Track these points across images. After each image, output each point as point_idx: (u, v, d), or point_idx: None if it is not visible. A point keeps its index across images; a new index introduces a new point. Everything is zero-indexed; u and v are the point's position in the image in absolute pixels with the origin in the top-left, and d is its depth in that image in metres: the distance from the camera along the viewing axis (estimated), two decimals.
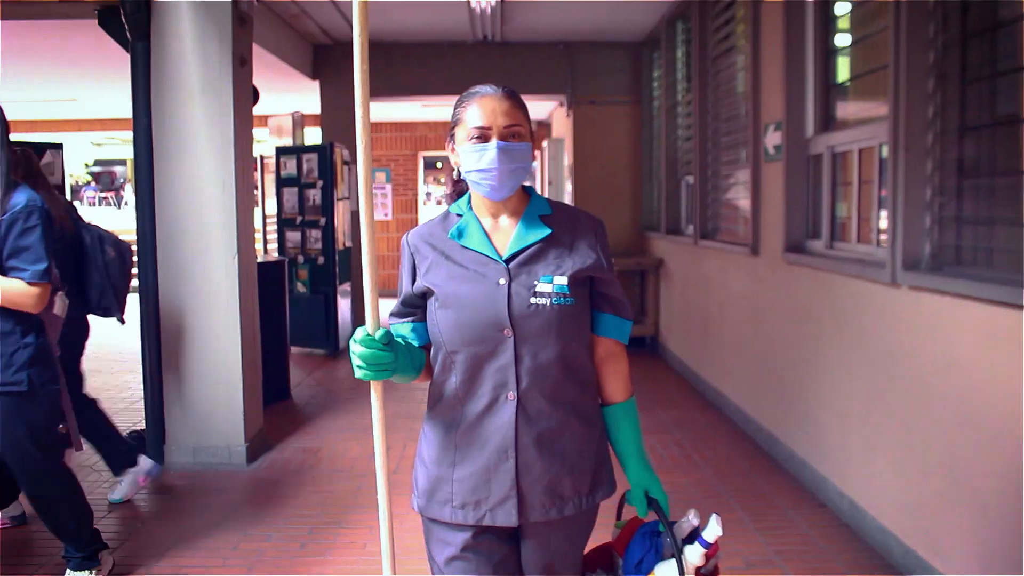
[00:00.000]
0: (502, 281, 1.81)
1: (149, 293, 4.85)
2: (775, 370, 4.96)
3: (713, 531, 1.83)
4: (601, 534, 2.05)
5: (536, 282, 1.81)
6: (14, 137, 3.33)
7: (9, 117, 3.08)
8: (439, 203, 25.44)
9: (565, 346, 1.82)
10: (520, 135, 1.82)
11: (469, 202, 1.94)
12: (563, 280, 1.81)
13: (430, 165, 23.08)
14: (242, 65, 4.90)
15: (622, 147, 9.11)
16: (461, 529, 1.87)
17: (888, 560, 3.55)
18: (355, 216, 9.05)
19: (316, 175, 8.25)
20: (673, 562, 1.82)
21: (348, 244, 8.86)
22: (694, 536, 1.86)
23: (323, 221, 8.26)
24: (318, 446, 5.34)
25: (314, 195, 8.31)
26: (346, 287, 8.74)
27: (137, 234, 4.87)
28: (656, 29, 8.13)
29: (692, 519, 1.90)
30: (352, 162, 8.77)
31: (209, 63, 4.73)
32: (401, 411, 5.67)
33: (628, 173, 9.08)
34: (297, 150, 8.58)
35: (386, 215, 13.90)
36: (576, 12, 7.55)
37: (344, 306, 8.64)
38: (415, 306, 1.91)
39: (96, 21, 4.86)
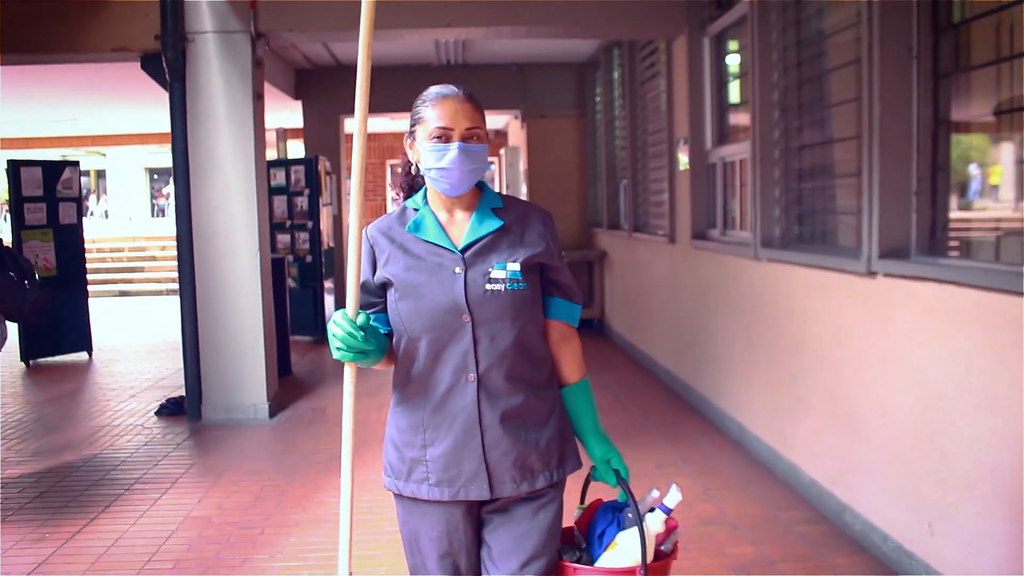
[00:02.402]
0: (458, 270, 1.89)
1: (187, 284, 6.05)
2: (687, 332, 6.28)
3: (674, 498, 1.92)
4: (567, 517, 2.13)
5: (490, 269, 1.90)
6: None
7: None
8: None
9: (520, 329, 1.91)
10: (479, 136, 1.90)
11: (425, 197, 2.00)
12: (516, 266, 1.90)
13: (394, 171, 24.24)
14: (258, 99, 6.10)
15: (570, 154, 10.43)
16: (439, 506, 1.97)
17: (758, 460, 4.87)
18: (337, 220, 10.27)
19: (303, 184, 9.45)
20: (635, 530, 1.88)
21: (331, 244, 10.07)
22: (657, 507, 1.95)
23: (310, 224, 9.47)
24: (323, 406, 6.57)
25: (301, 202, 9.51)
26: (330, 283, 9.94)
27: (176, 236, 6.06)
28: (597, 53, 9.44)
29: (655, 493, 1.99)
30: (333, 172, 9.99)
31: (233, 98, 5.94)
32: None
33: (576, 177, 10.40)
34: (285, 163, 9.76)
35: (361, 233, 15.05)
36: (527, 40, 8.82)
37: (329, 299, 9.85)
38: (376, 296, 1.99)
39: (139, 65, 6.05)
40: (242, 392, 6.12)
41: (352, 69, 9.84)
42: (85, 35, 5.94)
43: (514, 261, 1.91)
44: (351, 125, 12.00)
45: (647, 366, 7.55)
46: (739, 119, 5.77)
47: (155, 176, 36.59)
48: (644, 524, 1.88)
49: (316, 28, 6.07)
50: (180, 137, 5.93)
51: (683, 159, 6.29)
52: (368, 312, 1.96)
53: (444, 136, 1.87)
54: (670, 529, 1.96)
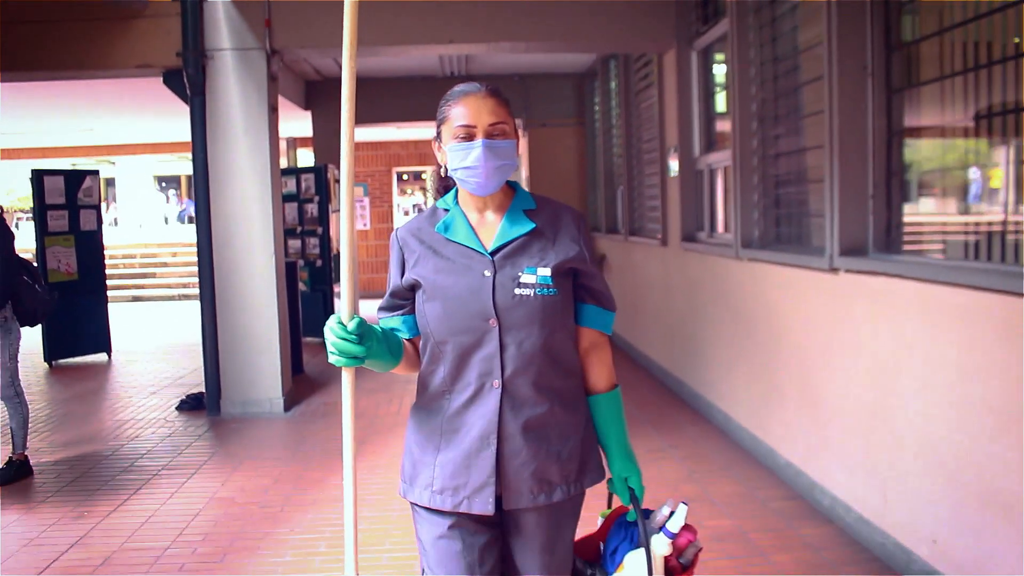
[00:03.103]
0: (487, 273, 1.85)
1: (206, 286, 6.43)
2: (678, 329, 6.64)
3: (677, 521, 1.87)
4: (589, 523, 2.11)
5: (520, 273, 1.85)
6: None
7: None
8: (406, 213, 27.06)
9: (549, 335, 1.86)
10: (505, 132, 1.86)
11: (456, 197, 1.98)
12: (547, 271, 1.86)
13: (399, 178, 24.63)
14: (272, 112, 6.49)
15: (570, 161, 10.81)
16: (442, 515, 1.91)
17: (740, 445, 5.23)
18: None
19: (313, 192, 9.84)
20: (642, 551, 1.86)
21: (340, 249, 10.45)
22: (664, 527, 1.90)
23: (320, 230, 9.86)
24: (335, 401, 6.95)
25: (312, 208, 9.90)
26: (338, 286, 10.32)
27: (196, 241, 6.45)
28: (594, 64, 9.83)
29: (666, 509, 1.91)
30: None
31: (250, 111, 6.33)
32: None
33: (575, 183, 10.78)
34: (296, 171, 10.16)
35: (364, 225, 15.45)
36: (528, 53, 9.22)
37: (338, 302, 10.22)
38: (404, 299, 1.96)
39: (161, 80, 6.44)
40: (259, 388, 6.50)
41: (360, 79, 10.22)
42: (111, 53, 6.35)
43: (545, 266, 1.86)
44: (356, 132, 12.40)
45: (643, 363, 7.91)
46: (725, 128, 6.14)
47: (163, 184, 37.14)
48: (651, 547, 1.86)
49: (327, 44, 6.46)
50: (200, 148, 6.32)
51: (673, 166, 6.66)
52: (397, 315, 1.96)
53: (468, 134, 1.84)
54: (688, 541, 1.90)
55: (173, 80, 6.39)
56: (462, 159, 1.84)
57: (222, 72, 6.30)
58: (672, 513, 1.89)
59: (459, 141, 1.85)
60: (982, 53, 3.20)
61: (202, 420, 6.43)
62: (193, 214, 23.67)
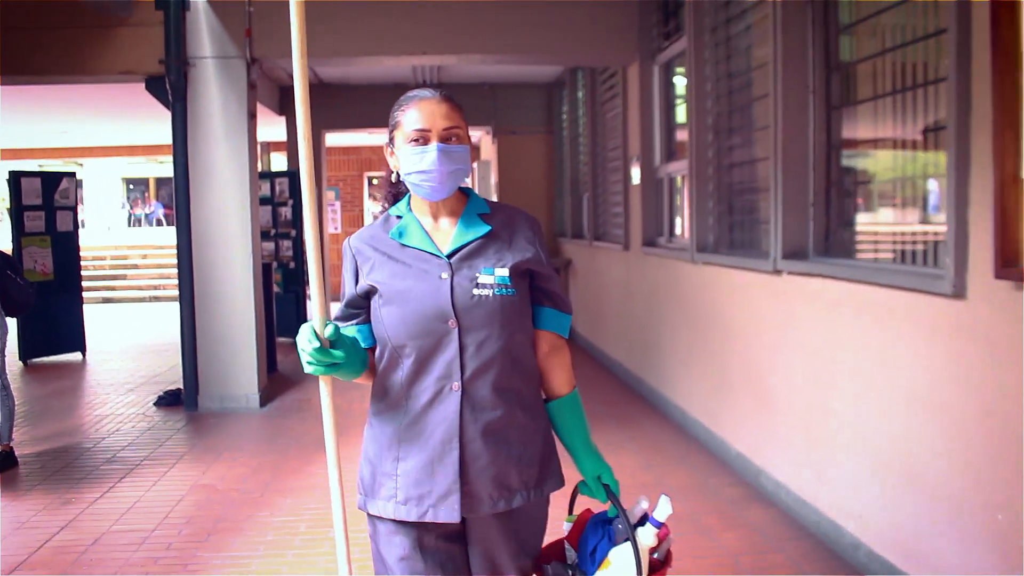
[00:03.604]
0: (444, 275, 1.84)
1: (186, 286, 6.65)
2: (639, 330, 6.96)
3: (663, 511, 1.86)
4: (553, 532, 2.09)
5: (478, 274, 1.84)
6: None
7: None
8: (375, 217, 27.30)
9: (509, 337, 1.85)
10: (459, 137, 1.86)
11: (408, 204, 1.96)
12: (504, 272, 1.85)
13: (370, 182, 24.83)
14: (251, 118, 6.73)
15: (538, 168, 11.13)
16: (405, 527, 1.88)
17: (695, 438, 5.55)
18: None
19: (287, 195, 10.07)
20: (627, 546, 1.84)
21: None
22: (645, 520, 1.89)
23: (293, 233, 10.09)
24: (308, 397, 7.19)
25: (285, 212, 10.13)
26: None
27: (176, 242, 6.67)
28: (563, 74, 10.16)
29: (643, 504, 1.93)
30: (316, 184, 10.60)
31: (229, 117, 6.57)
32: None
33: (543, 189, 11.10)
34: (271, 175, 10.38)
35: (335, 228, 15.65)
36: (498, 64, 9.52)
37: (311, 304, 10.45)
38: (359, 307, 1.93)
39: (143, 86, 6.67)
40: (235, 384, 6.73)
41: (333, 86, 10.61)
42: (95, 59, 6.56)
43: (502, 266, 1.86)
44: (328, 137, 12.64)
45: (605, 363, 8.23)
46: (685, 138, 6.46)
47: (131, 186, 36.97)
48: (636, 539, 1.85)
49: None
50: (181, 152, 6.55)
51: (635, 174, 6.99)
52: (353, 324, 1.94)
53: (422, 138, 1.83)
54: (661, 537, 1.91)
55: (155, 86, 6.61)
56: (416, 163, 1.83)
57: (203, 79, 6.53)
58: (645, 516, 1.91)
59: (414, 144, 1.84)
60: (917, 74, 3.53)
61: (180, 415, 6.64)
62: (161, 216, 23.74)
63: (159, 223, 33.61)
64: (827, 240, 4.14)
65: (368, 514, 1.94)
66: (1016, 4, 2.47)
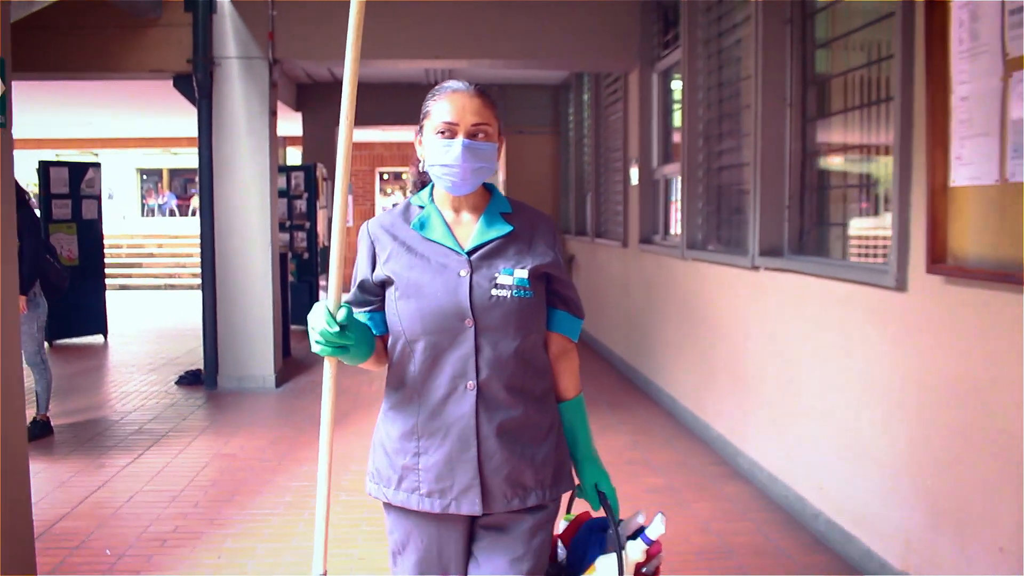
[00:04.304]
0: (463, 273, 1.83)
1: (208, 273, 7.07)
2: (635, 322, 7.36)
3: (656, 529, 1.87)
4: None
5: (497, 274, 1.84)
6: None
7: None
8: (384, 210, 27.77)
9: (524, 338, 1.85)
10: (487, 134, 1.84)
11: (431, 194, 1.95)
12: (523, 273, 1.84)
13: (381, 178, 25.27)
14: (272, 115, 7.15)
15: (545, 167, 11.53)
16: (423, 516, 1.91)
17: (683, 423, 5.95)
18: (331, 222, 11.31)
19: (303, 188, 10.49)
20: (614, 556, 1.86)
21: (327, 243, 11.11)
22: (639, 534, 1.91)
23: (308, 225, 10.51)
24: (320, 380, 7.58)
25: (300, 204, 10.54)
26: (325, 280, 10.98)
27: (200, 231, 7.09)
28: (569, 77, 10.55)
29: (639, 519, 1.95)
30: (329, 178, 11.03)
31: (252, 114, 6.99)
32: None
33: (549, 188, 11.50)
34: (286, 169, 10.79)
35: (348, 222, 16.09)
36: (507, 69, 9.92)
37: (324, 294, 10.89)
38: (374, 295, 1.92)
39: (171, 84, 7.09)
40: (253, 365, 7.15)
41: None
42: (127, 58, 7.00)
43: (522, 268, 1.85)
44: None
45: (604, 354, 8.63)
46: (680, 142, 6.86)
47: (144, 177, 37.51)
48: (624, 552, 1.87)
49: (323, 56, 7.14)
50: (206, 146, 6.97)
51: (634, 175, 7.38)
52: (364, 311, 1.93)
53: (449, 131, 1.82)
54: (652, 554, 1.92)
55: (183, 84, 7.03)
56: (441, 156, 1.83)
57: (228, 78, 6.95)
58: (643, 528, 1.94)
59: (440, 137, 1.83)
60: (882, 89, 3.91)
61: (200, 393, 7.07)
62: (174, 207, 24.22)
63: (172, 213, 34.16)
64: (801, 239, 4.53)
65: (384, 504, 1.97)
66: (945, 36, 2.85)
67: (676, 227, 6.72)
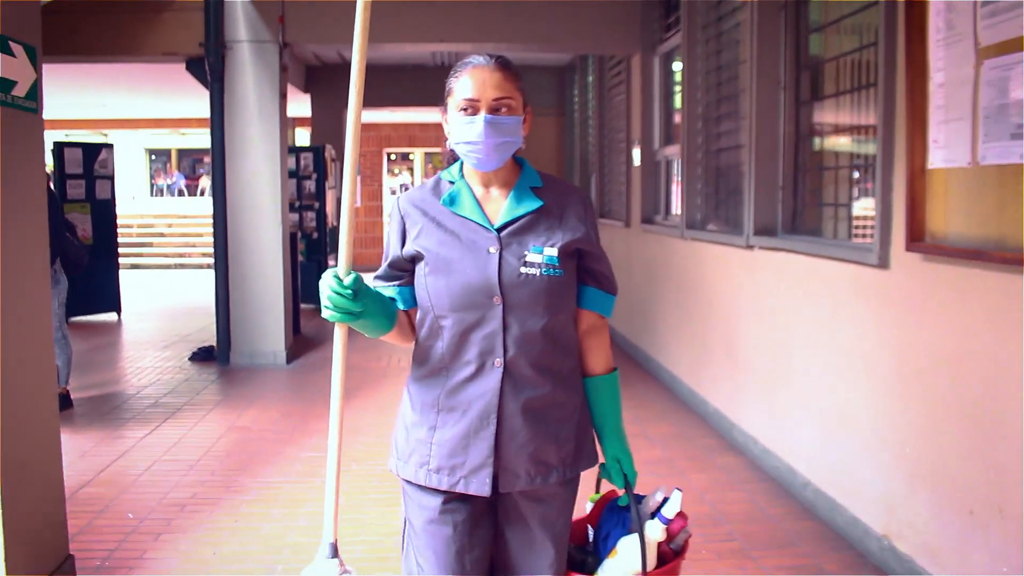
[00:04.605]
0: (492, 249, 1.82)
1: (220, 251, 7.26)
2: (636, 300, 7.53)
3: (672, 507, 1.87)
4: (578, 509, 2.09)
5: (526, 252, 1.82)
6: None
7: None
8: (393, 192, 27.95)
9: (552, 316, 1.83)
10: (510, 108, 1.81)
11: (461, 170, 1.93)
12: (553, 251, 1.83)
13: (388, 158, 25.42)
14: (282, 98, 7.30)
15: (550, 149, 11.67)
16: (436, 493, 1.88)
17: (680, 398, 6.13)
18: (340, 202, 11.50)
19: (312, 169, 10.66)
20: (635, 537, 1.85)
21: (335, 223, 11.29)
22: (657, 513, 1.90)
23: (317, 205, 10.69)
24: (330, 356, 7.76)
25: (309, 185, 10.72)
26: (334, 260, 11.17)
27: (213, 211, 7.27)
28: (574, 59, 10.67)
29: (658, 496, 1.94)
30: (338, 159, 11.20)
31: (263, 97, 7.15)
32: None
33: (554, 169, 11.63)
34: (296, 149, 10.96)
35: (356, 202, 16.26)
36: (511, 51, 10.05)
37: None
38: (403, 269, 1.91)
39: (184, 67, 7.25)
40: (264, 341, 7.35)
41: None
42: (142, 41, 7.18)
43: (552, 246, 1.83)
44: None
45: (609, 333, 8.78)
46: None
47: (153, 157, 37.70)
48: (645, 532, 1.86)
49: (332, 39, 7.30)
50: (218, 127, 7.14)
51: (636, 156, 7.52)
52: (393, 285, 1.92)
53: (471, 107, 1.81)
54: (676, 530, 1.93)
55: (195, 67, 7.19)
56: (464, 133, 1.81)
57: (239, 61, 7.10)
58: (666, 499, 1.92)
59: (462, 114, 1.81)
60: (872, 73, 4.05)
61: (213, 369, 7.27)
62: (182, 187, 24.45)
63: (181, 193, 34.35)
64: (794, 219, 4.68)
65: (404, 480, 1.96)
66: (924, 24, 3.00)
67: (677, 207, 6.88)
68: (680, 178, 6.22)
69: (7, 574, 2.78)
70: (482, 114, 1.79)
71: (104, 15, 7.07)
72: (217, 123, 7.14)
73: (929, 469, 3.14)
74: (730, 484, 4.48)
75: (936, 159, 2.98)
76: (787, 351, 4.38)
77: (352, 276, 1.73)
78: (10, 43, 2.80)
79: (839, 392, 3.83)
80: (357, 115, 1.73)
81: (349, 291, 1.71)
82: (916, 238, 3.10)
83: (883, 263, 3.40)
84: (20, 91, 2.86)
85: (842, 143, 4.43)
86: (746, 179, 4.85)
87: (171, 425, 5.55)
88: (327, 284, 1.72)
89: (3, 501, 2.76)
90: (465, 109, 1.81)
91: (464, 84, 1.81)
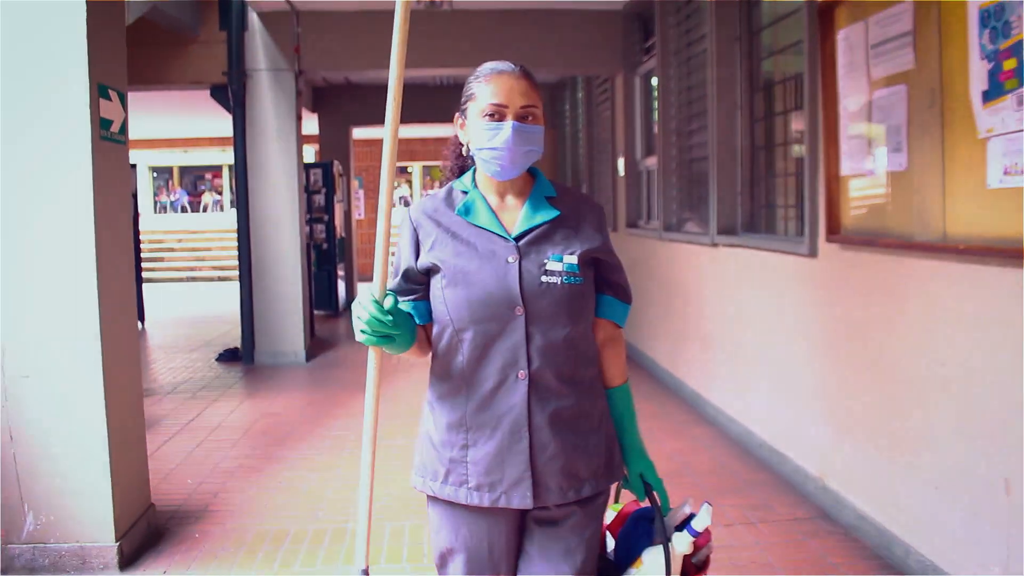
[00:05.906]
0: (511, 259, 1.78)
1: (244, 259, 8.00)
2: None
3: (703, 520, 1.85)
4: None
5: (546, 260, 1.79)
6: None
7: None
8: (393, 205, 28.66)
9: (575, 325, 1.81)
10: (535, 116, 1.79)
11: (474, 179, 1.90)
12: (573, 259, 1.79)
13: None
14: (297, 120, 8.06)
15: (544, 160, 12.23)
16: (468, 514, 1.86)
17: (668, 387, 6.86)
18: (347, 215, 12.27)
19: (321, 184, 11.41)
20: (660, 548, 1.83)
21: (343, 235, 12.05)
22: (685, 525, 1.88)
23: (326, 218, 11.45)
24: (344, 354, 8.55)
25: (319, 199, 11.47)
26: (342, 269, 11.92)
27: (237, 223, 8.02)
28: (565, 77, 11.43)
29: (686, 508, 1.92)
30: (345, 175, 11.97)
31: (281, 119, 7.91)
32: None
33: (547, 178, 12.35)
34: (306, 166, 11.69)
35: (359, 215, 17.00)
36: None
37: (341, 282, 11.84)
38: (418, 283, 1.87)
39: (208, 94, 8.01)
40: (285, 342, 8.10)
41: (360, 87, 11.92)
42: (170, 71, 7.95)
43: (571, 254, 1.80)
44: (359, 133, 13.96)
45: None
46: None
47: (155, 175, 38.45)
48: (671, 544, 1.84)
49: (343, 68, 8.05)
50: (240, 148, 7.89)
51: (621, 166, 8.28)
52: (408, 299, 1.87)
53: (497, 114, 1.76)
54: (701, 544, 1.90)
55: (219, 94, 7.95)
56: (489, 139, 1.77)
57: (259, 88, 7.86)
58: (693, 514, 1.90)
59: (488, 120, 1.77)
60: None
61: (239, 367, 8.00)
62: (185, 204, 25.17)
63: (184, 210, 35.13)
64: (751, 219, 5.43)
65: (432, 498, 1.92)
66: (834, 60, 3.75)
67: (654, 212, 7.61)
68: (657, 186, 6.96)
69: (115, 513, 3.50)
70: (510, 120, 1.76)
71: (137, 48, 7.78)
72: (240, 144, 7.89)
73: (856, 420, 3.87)
74: (699, 448, 5.21)
75: (845, 167, 3.73)
76: (744, 332, 5.11)
77: (391, 298, 1.72)
78: (109, 90, 3.54)
79: (784, 362, 4.57)
80: (393, 144, 1.76)
81: (389, 317, 1.70)
82: (834, 231, 3.85)
83: (812, 252, 4.14)
84: (115, 128, 3.60)
85: (794, 151, 5.18)
86: (710, 186, 5.60)
87: (210, 412, 6.28)
88: (366, 309, 1.70)
89: (111, 458, 3.49)
90: (492, 115, 1.77)
91: (490, 89, 1.78)
